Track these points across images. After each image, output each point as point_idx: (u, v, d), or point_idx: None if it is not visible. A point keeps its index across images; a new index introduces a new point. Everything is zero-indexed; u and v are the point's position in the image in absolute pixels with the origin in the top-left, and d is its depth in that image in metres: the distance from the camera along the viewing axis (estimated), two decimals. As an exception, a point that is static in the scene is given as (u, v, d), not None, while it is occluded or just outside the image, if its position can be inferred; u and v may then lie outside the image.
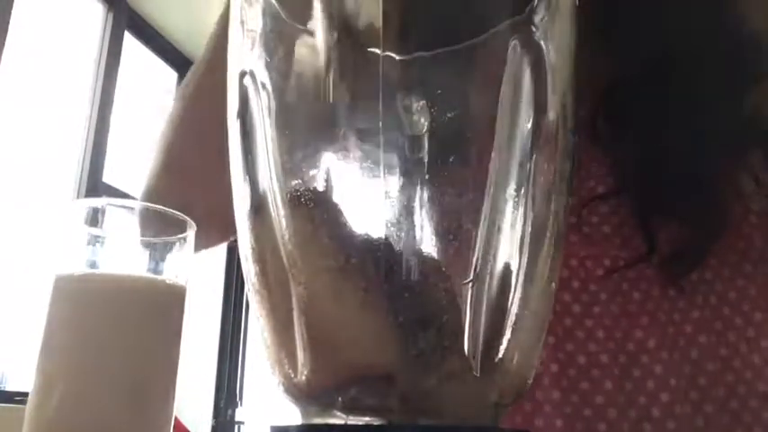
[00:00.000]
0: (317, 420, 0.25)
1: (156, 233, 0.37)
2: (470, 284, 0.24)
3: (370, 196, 0.25)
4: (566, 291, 0.48)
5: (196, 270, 0.38)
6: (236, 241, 0.28)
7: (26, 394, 0.34)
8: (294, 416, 0.25)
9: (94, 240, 0.36)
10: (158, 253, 0.37)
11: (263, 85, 0.26)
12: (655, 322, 0.47)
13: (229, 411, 3.08)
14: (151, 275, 0.37)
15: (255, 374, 3.16)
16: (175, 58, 2.90)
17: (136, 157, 2.53)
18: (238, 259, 0.27)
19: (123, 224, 0.38)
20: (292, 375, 0.25)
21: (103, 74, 2.47)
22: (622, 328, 0.47)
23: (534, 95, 0.25)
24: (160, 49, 2.85)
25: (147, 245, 0.37)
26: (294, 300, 0.24)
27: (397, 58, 0.25)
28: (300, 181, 0.25)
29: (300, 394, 0.25)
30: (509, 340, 0.24)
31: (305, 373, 0.24)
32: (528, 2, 0.25)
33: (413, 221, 0.24)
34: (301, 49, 0.26)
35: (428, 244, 0.24)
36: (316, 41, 0.26)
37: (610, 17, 0.48)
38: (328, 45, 0.25)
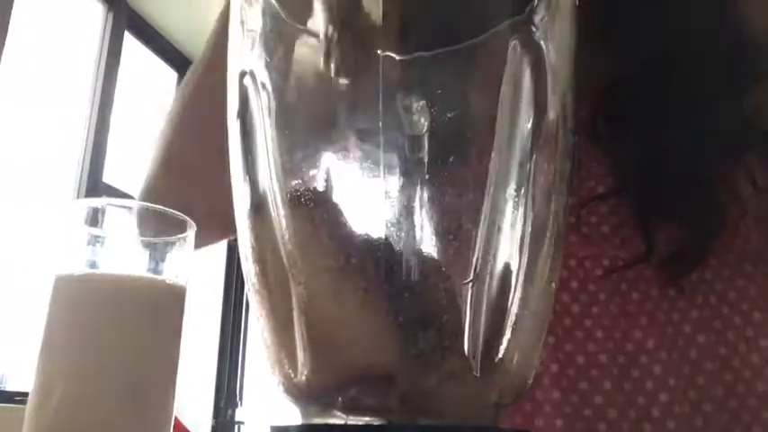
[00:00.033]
0: (317, 420, 0.25)
1: (156, 233, 0.37)
2: (470, 284, 0.24)
3: (370, 196, 0.25)
4: (564, 291, 0.48)
5: (196, 270, 0.38)
6: (236, 241, 0.28)
7: (26, 394, 0.34)
8: (294, 416, 0.25)
9: (94, 240, 0.36)
10: (158, 253, 0.37)
11: (263, 85, 0.26)
12: (653, 322, 0.47)
13: (229, 411, 3.09)
14: (151, 275, 0.37)
15: (255, 374, 3.16)
16: (175, 58, 2.90)
17: (136, 157, 2.53)
18: (238, 259, 0.27)
19: (123, 224, 0.38)
20: (292, 375, 0.25)
21: (103, 74, 2.47)
22: (621, 328, 0.48)
23: (534, 95, 0.25)
24: (160, 49, 2.85)
25: (147, 245, 0.37)
26: (294, 300, 0.24)
27: (397, 58, 0.25)
28: (300, 181, 0.25)
29: (300, 394, 0.25)
30: (509, 340, 0.24)
31: (305, 373, 0.24)
32: (528, 2, 0.25)
33: (413, 221, 0.24)
34: (301, 49, 0.26)
35: (428, 244, 0.24)
36: (316, 41, 0.26)
37: (610, 17, 0.48)
38: (329, 43, 0.25)
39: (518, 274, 0.24)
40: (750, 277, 0.48)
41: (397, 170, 0.24)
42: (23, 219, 2.05)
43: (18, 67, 2.00)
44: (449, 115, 0.25)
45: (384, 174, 0.24)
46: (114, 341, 0.34)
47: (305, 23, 0.26)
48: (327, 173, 0.25)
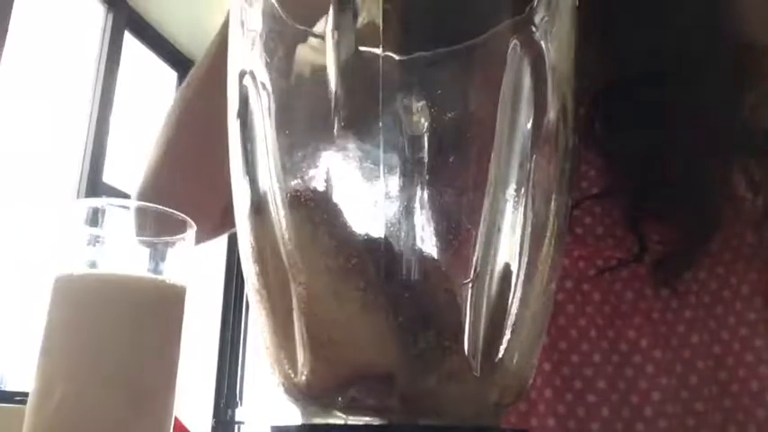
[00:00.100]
0: (317, 420, 0.25)
1: (156, 232, 0.37)
2: (470, 284, 0.24)
3: (370, 196, 0.25)
4: (559, 291, 0.48)
5: (196, 270, 0.38)
6: (236, 241, 0.28)
7: (26, 394, 0.34)
8: (294, 416, 0.25)
9: (94, 240, 0.36)
10: (158, 253, 0.37)
11: (263, 85, 0.26)
12: (647, 322, 0.47)
13: (229, 411, 3.08)
14: (151, 275, 0.37)
15: (255, 374, 3.16)
16: (175, 58, 2.90)
17: (136, 157, 2.53)
18: (238, 259, 0.27)
19: (123, 224, 0.38)
20: (292, 375, 0.25)
21: (103, 74, 2.47)
22: (615, 327, 0.48)
23: (534, 95, 0.25)
24: (160, 49, 2.85)
25: (147, 245, 0.37)
26: (294, 300, 0.24)
27: (397, 58, 0.25)
28: (300, 181, 0.25)
29: (300, 394, 0.25)
30: (509, 340, 0.24)
31: (305, 373, 0.24)
32: (528, 2, 0.25)
33: (413, 221, 0.24)
34: (301, 49, 0.26)
35: (428, 244, 0.24)
36: (316, 41, 0.26)
37: (606, 18, 0.47)
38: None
39: (518, 274, 0.24)
40: (743, 277, 0.49)
41: (397, 170, 0.24)
42: (23, 219, 2.05)
43: (18, 67, 2.00)
44: (449, 115, 0.25)
45: (384, 174, 0.24)
46: (114, 341, 0.34)
47: (305, 23, 0.26)
48: (327, 173, 0.25)
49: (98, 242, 0.36)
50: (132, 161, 2.54)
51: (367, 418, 0.24)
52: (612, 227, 0.49)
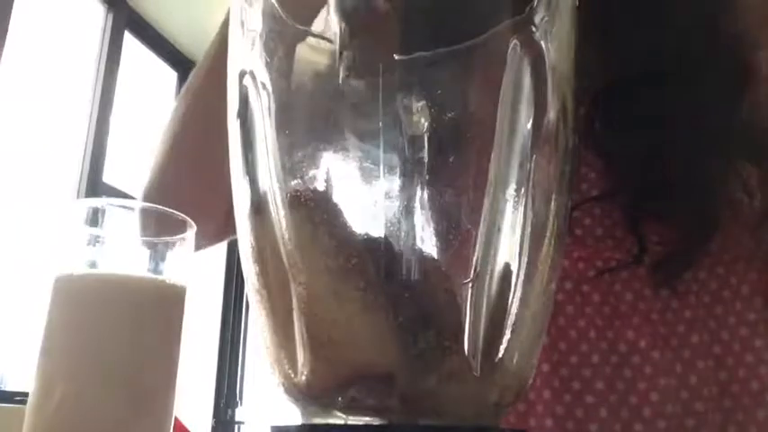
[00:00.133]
0: (317, 420, 0.25)
1: (156, 232, 0.37)
2: (470, 284, 0.24)
3: (370, 196, 0.25)
4: (559, 292, 0.48)
5: (196, 270, 0.38)
6: (236, 241, 0.28)
7: (26, 394, 0.34)
8: (294, 416, 0.25)
9: (94, 240, 0.36)
10: (158, 253, 0.37)
11: (263, 85, 0.26)
12: (647, 322, 0.47)
13: (229, 411, 3.08)
14: (151, 275, 0.37)
15: (255, 374, 3.16)
16: (175, 58, 2.90)
17: (136, 157, 2.53)
18: (238, 259, 0.27)
19: (123, 224, 0.38)
20: (292, 375, 0.25)
21: (103, 74, 2.47)
22: (614, 328, 0.48)
23: (534, 95, 0.25)
24: (160, 49, 2.85)
25: (147, 245, 0.37)
26: (294, 300, 0.24)
27: (397, 58, 0.25)
28: (300, 181, 0.25)
29: (300, 394, 0.25)
30: (509, 340, 0.24)
31: (305, 373, 0.24)
32: (528, 2, 0.25)
33: (413, 221, 0.24)
34: (301, 49, 0.26)
35: (428, 244, 0.24)
36: (316, 41, 0.26)
37: (606, 18, 0.47)
38: (342, 43, 0.25)
39: (518, 274, 0.24)
40: (743, 277, 0.49)
41: (397, 170, 0.24)
42: (23, 219, 2.05)
43: (18, 68, 2.00)
44: (449, 115, 0.25)
45: (384, 174, 0.24)
46: (114, 341, 0.34)
47: (305, 24, 0.26)
48: (327, 173, 0.25)
49: (98, 242, 0.36)
50: (132, 161, 2.54)
51: (367, 418, 0.24)
52: (612, 228, 0.49)
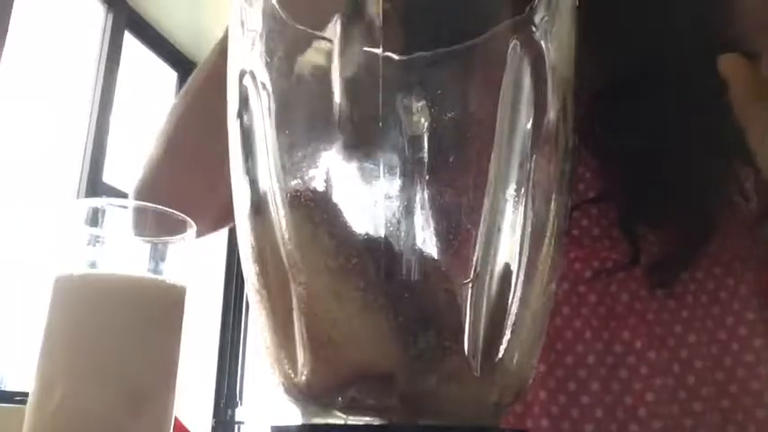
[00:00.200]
0: (317, 420, 0.25)
1: (156, 232, 0.37)
2: (470, 284, 0.24)
3: (370, 196, 0.25)
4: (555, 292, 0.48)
5: (196, 270, 0.38)
6: (236, 240, 0.28)
7: (26, 394, 0.34)
8: (294, 416, 0.25)
9: (94, 240, 0.36)
10: (158, 253, 0.37)
11: (263, 85, 0.26)
12: (643, 323, 0.47)
13: (229, 411, 3.08)
14: (151, 275, 0.37)
15: (255, 374, 3.16)
16: (175, 58, 2.90)
17: (136, 157, 2.52)
18: (238, 259, 0.27)
19: (123, 224, 0.38)
20: (292, 375, 0.25)
21: (103, 74, 2.47)
22: (610, 328, 0.48)
23: (534, 95, 0.25)
24: (160, 49, 2.85)
25: (147, 245, 0.37)
26: (294, 300, 0.24)
27: (397, 58, 0.25)
28: (300, 181, 0.25)
29: (300, 394, 0.25)
30: (509, 340, 0.24)
31: (305, 373, 0.24)
32: (528, 2, 0.25)
33: (413, 221, 0.24)
34: (301, 49, 0.26)
35: (428, 244, 0.24)
36: (316, 41, 0.26)
37: (606, 19, 0.47)
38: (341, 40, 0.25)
39: (518, 274, 0.24)
40: (741, 277, 0.48)
41: (397, 170, 0.24)
42: (23, 219, 2.05)
43: (18, 68, 2.00)
44: (449, 115, 0.25)
45: (384, 174, 0.24)
46: (114, 341, 0.34)
47: (305, 24, 0.26)
48: (327, 173, 0.25)
49: (98, 242, 0.36)
50: (132, 161, 2.54)
51: (367, 418, 0.24)
52: (609, 228, 0.49)
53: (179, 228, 0.38)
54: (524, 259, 0.25)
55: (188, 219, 0.38)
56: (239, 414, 3.11)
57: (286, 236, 0.25)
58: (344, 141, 0.25)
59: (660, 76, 0.48)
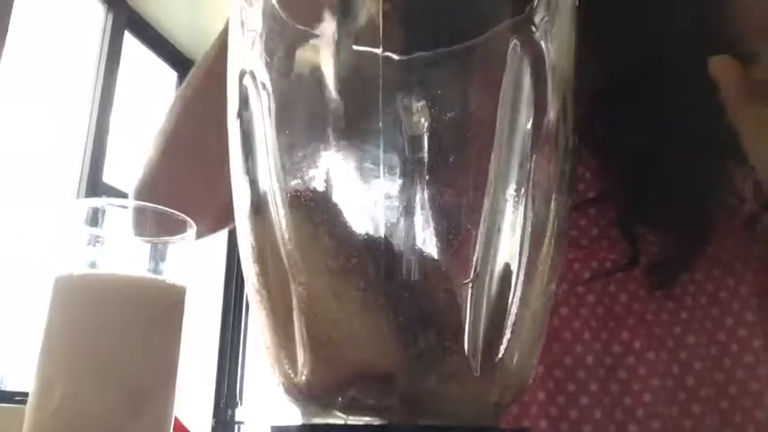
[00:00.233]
0: (317, 420, 0.25)
1: (156, 232, 0.37)
2: (470, 284, 0.24)
3: (370, 196, 0.25)
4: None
5: (196, 270, 0.38)
6: (236, 240, 0.28)
7: (26, 394, 0.34)
8: (294, 416, 0.25)
9: (94, 240, 0.36)
10: (158, 253, 0.37)
11: (263, 85, 0.26)
12: (641, 323, 0.47)
13: (229, 411, 3.08)
14: (151, 275, 0.37)
15: (255, 374, 3.16)
16: (175, 58, 2.90)
17: (136, 157, 2.52)
18: (238, 259, 0.27)
19: (123, 224, 0.38)
20: (292, 375, 0.25)
21: (103, 74, 2.47)
22: (608, 329, 0.48)
23: (534, 95, 0.25)
24: (160, 49, 2.85)
25: (147, 245, 0.37)
26: (294, 300, 0.24)
27: (397, 58, 0.25)
28: (300, 181, 0.25)
29: (300, 394, 0.25)
30: (509, 340, 0.24)
31: (305, 373, 0.24)
32: (528, 2, 0.25)
33: (413, 221, 0.24)
34: (301, 49, 0.26)
35: (428, 244, 0.24)
36: (316, 41, 0.26)
37: (606, 19, 0.47)
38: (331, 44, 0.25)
39: (518, 274, 0.24)
40: (741, 278, 0.48)
41: (397, 170, 0.24)
42: (23, 219, 2.05)
43: (18, 67, 2.00)
44: (449, 115, 0.25)
45: (384, 174, 0.24)
46: (114, 341, 0.34)
47: (305, 24, 0.26)
48: (327, 173, 0.25)
49: (98, 242, 0.36)
50: (132, 161, 2.54)
51: (367, 418, 0.24)
52: (607, 228, 0.49)
53: (179, 228, 0.38)
54: (524, 259, 0.25)
55: (188, 219, 0.38)
56: (239, 414, 3.11)
57: (286, 236, 0.25)
58: (341, 130, 0.25)
59: (660, 76, 0.48)
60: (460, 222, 0.25)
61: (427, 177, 0.24)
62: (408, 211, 0.24)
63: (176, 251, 0.37)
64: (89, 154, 2.38)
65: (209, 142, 0.48)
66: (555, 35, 0.26)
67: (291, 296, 0.24)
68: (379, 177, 0.24)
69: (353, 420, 0.24)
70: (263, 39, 0.26)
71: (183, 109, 0.61)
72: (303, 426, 0.25)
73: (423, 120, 0.24)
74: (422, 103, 0.24)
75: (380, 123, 0.24)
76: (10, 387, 1.93)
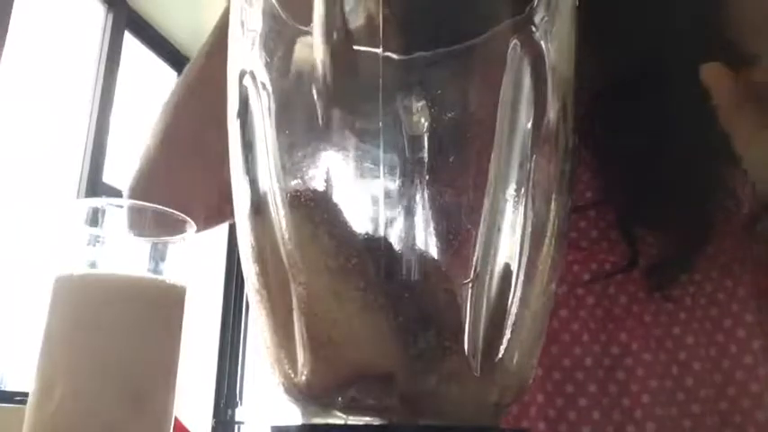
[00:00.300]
0: (317, 420, 0.25)
1: (156, 232, 0.37)
2: (470, 284, 0.24)
3: (370, 196, 0.25)
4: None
5: (196, 270, 0.38)
6: (236, 240, 0.28)
7: (26, 394, 0.34)
8: (294, 416, 0.25)
9: (94, 240, 0.36)
10: (158, 253, 0.37)
11: (263, 85, 0.26)
12: (640, 325, 0.47)
13: (229, 411, 3.08)
14: (151, 275, 0.37)
15: (255, 374, 3.16)
16: (175, 58, 2.90)
17: (136, 157, 2.52)
18: (238, 259, 0.27)
19: (123, 224, 0.38)
20: (292, 375, 0.25)
21: (103, 74, 2.47)
22: (607, 331, 0.48)
23: (534, 95, 0.25)
24: (160, 49, 2.85)
25: (147, 245, 0.37)
26: (294, 300, 0.24)
27: (397, 58, 0.25)
28: (300, 181, 0.25)
29: (300, 394, 0.25)
30: (509, 340, 0.24)
31: (305, 373, 0.24)
32: (528, 2, 0.25)
33: (413, 221, 0.24)
34: (301, 49, 0.26)
35: (428, 244, 0.24)
36: (315, 41, 0.26)
37: (604, 20, 0.47)
38: (328, 45, 0.25)
39: (518, 274, 0.24)
40: (739, 279, 0.48)
41: (397, 170, 0.24)
42: (23, 219, 2.05)
43: (18, 67, 2.00)
44: (449, 115, 0.25)
45: (384, 174, 0.24)
46: (114, 341, 0.34)
47: (305, 24, 0.26)
48: (327, 173, 0.25)
49: (98, 242, 0.36)
50: (132, 161, 2.54)
51: (367, 418, 0.24)
52: (607, 230, 0.49)
53: (179, 227, 0.38)
54: (524, 259, 0.25)
55: (188, 219, 0.38)
56: (239, 414, 3.11)
57: (286, 236, 0.25)
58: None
59: (660, 76, 0.48)
60: (460, 222, 0.25)
61: (427, 177, 0.24)
62: (408, 211, 0.24)
63: (176, 251, 0.37)
64: (89, 154, 2.38)
65: (206, 137, 0.48)
66: (555, 35, 0.26)
67: (291, 296, 0.24)
68: (379, 177, 0.24)
69: (353, 420, 0.24)
70: (263, 39, 0.26)
71: (180, 101, 0.61)
72: (303, 426, 0.25)
73: (423, 120, 0.24)
74: (422, 103, 0.24)
75: (380, 123, 0.24)
76: (10, 387, 1.93)
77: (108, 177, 2.44)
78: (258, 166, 0.26)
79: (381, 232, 0.24)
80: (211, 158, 0.55)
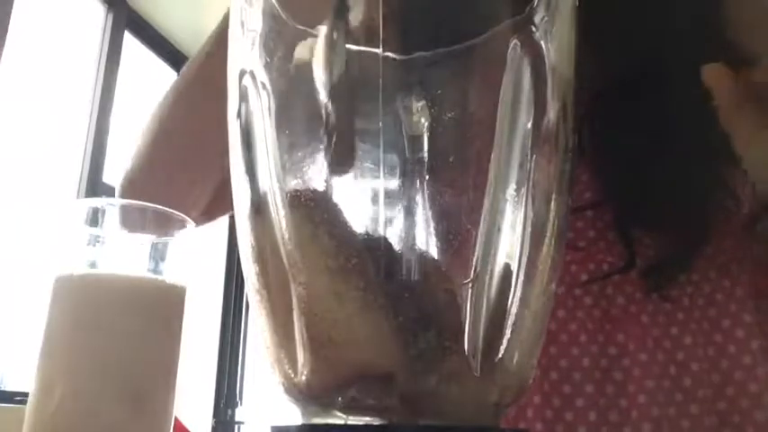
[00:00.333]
0: (317, 420, 0.25)
1: (156, 232, 0.37)
2: (470, 284, 0.24)
3: (370, 196, 0.25)
4: None
5: (196, 270, 0.38)
6: (236, 240, 0.28)
7: (26, 394, 0.34)
8: (294, 416, 0.25)
9: (94, 240, 0.36)
10: (158, 253, 0.37)
11: (263, 85, 0.26)
12: (638, 325, 0.47)
13: (229, 411, 3.08)
14: (151, 275, 0.37)
15: (255, 374, 3.16)
16: (175, 58, 2.90)
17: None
18: (238, 259, 0.27)
19: (117, 222, 0.38)
20: (292, 375, 0.25)
21: (103, 74, 2.47)
22: (605, 331, 0.48)
23: (534, 95, 0.25)
24: (160, 49, 2.85)
25: (147, 245, 0.37)
26: (294, 300, 0.24)
27: (397, 58, 0.25)
28: (300, 181, 0.25)
29: (300, 394, 0.25)
30: (509, 340, 0.24)
31: (305, 373, 0.24)
32: (528, 2, 0.25)
33: (413, 221, 0.24)
34: (301, 49, 0.26)
35: (428, 244, 0.24)
36: (316, 41, 0.26)
37: (604, 20, 0.47)
38: (329, 44, 0.25)
39: (518, 274, 0.24)
40: (737, 279, 0.48)
41: (397, 170, 0.24)
42: (23, 219, 2.05)
43: (18, 68, 2.00)
44: (449, 115, 0.25)
45: (384, 174, 0.24)
46: (114, 341, 0.34)
47: (305, 23, 0.26)
48: (327, 173, 0.25)
49: (98, 242, 0.36)
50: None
51: (367, 418, 0.24)
52: (604, 231, 0.49)
53: (179, 227, 0.38)
54: (524, 259, 0.25)
55: (188, 219, 0.38)
56: (239, 414, 3.11)
57: (286, 236, 0.25)
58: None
59: (660, 76, 0.48)
60: (460, 222, 0.25)
61: (427, 177, 0.24)
62: (408, 211, 0.24)
63: (176, 251, 0.37)
64: (89, 154, 2.38)
65: (202, 130, 0.48)
66: (555, 35, 0.26)
67: (291, 296, 0.24)
68: (379, 177, 0.24)
69: (353, 420, 0.24)
70: (263, 39, 0.26)
71: (176, 98, 0.61)
72: (303, 426, 0.25)
73: (423, 120, 0.24)
74: (422, 103, 0.24)
75: (380, 123, 0.24)
76: (10, 387, 1.93)
77: (108, 177, 2.44)
78: (258, 166, 0.26)
79: (381, 232, 0.24)
80: (208, 157, 0.55)
